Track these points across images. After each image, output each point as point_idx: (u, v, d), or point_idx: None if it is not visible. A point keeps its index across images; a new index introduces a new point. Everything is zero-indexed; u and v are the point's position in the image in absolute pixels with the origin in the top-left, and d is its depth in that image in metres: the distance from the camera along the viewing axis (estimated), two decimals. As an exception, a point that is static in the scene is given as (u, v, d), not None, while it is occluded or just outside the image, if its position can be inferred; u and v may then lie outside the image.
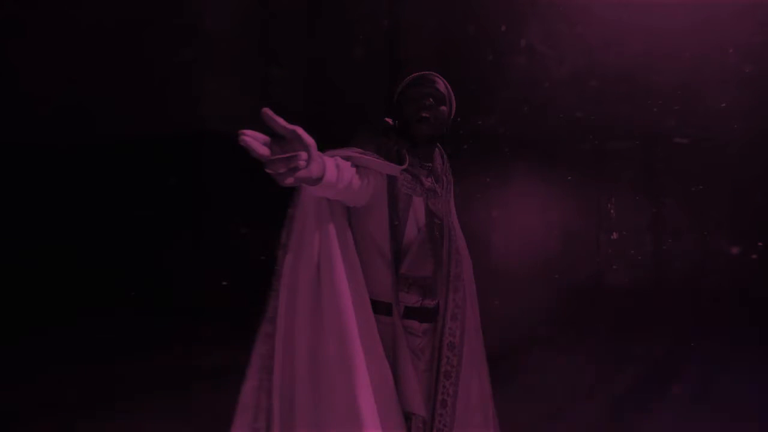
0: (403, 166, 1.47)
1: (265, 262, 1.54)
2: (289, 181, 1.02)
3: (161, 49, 7.97)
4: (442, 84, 1.57)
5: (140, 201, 8.03)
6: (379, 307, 1.46)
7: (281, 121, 0.98)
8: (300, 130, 1.01)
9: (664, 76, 7.46)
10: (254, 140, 0.96)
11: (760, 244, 7.14)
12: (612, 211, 8.83)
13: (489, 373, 1.66)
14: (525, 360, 4.83)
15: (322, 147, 1.19)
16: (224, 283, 6.37)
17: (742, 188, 7.81)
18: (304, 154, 1.01)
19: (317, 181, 1.18)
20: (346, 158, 1.34)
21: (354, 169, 1.35)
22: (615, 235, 8.77)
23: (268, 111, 0.94)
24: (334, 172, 1.24)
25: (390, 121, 1.61)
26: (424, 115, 1.52)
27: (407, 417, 1.45)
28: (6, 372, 4.08)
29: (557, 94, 7.70)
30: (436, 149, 1.65)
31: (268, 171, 0.99)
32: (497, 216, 7.82)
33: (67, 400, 3.59)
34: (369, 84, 8.14)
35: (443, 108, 1.56)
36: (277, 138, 1.01)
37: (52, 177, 8.51)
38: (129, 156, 8.20)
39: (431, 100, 1.53)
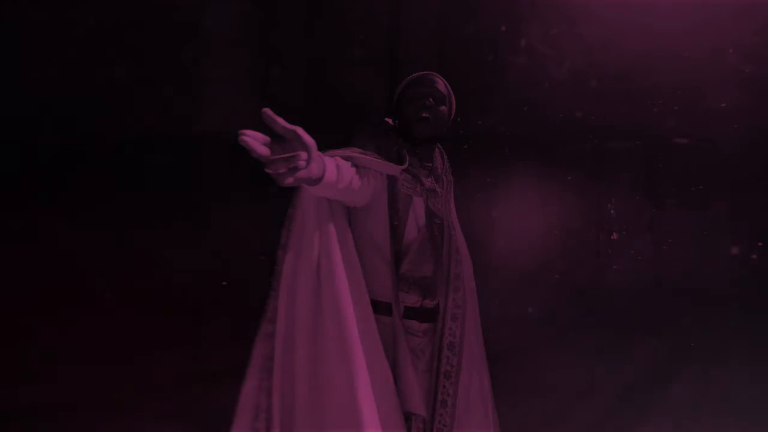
0: (403, 166, 1.47)
1: (265, 262, 1.54)
2: (289, 181, 1.02)
3: (161, 49, 7.97)
4: (442, 84, 1.57)
5: (140, 200, 8.03)
6: (379, 307, 1.46)
7: (281, 121, 0.98)
8: (300, 131, 1.01)
9: (664, 76, 7.46)
10: (254, 140, 0.96)
11: (760, 244, 7.14)
12: (612, 211, 8.83)
13: (489, 373, 1.66)
14: (525, 360, 4.83)
15: (322, 147, 1.19)
16: (224, 283, 6.36)
17: (742, 188, 7.80)
18: (304, 154, 1.01)
19: (317, 181, 1.18)
20: (346, 158, 1.34)
21: (354, 169, 1.35)
22: (615, 235, 8.77)
23: (268, 111, 0.94)
24: (334, 172, 1.24)
25: (390, 121, 1.61)
26: (424, 115, 1.52)
27: (407, 417, 1.45)
28: (6, 372, 4.08)
29: (557, 94, 7.70)
30: (436, 149, 1.65)
31: (268, 171, 0.99)
32: (497, 216, 7.81)
33: (67, 400, 3.59)
34: (369, 84, 8.13)
35: (443, 108, 1.56)
36: (277, 138, 1.01)
37: (51, 177, 8.51)
38: (128, 155, 8.20)
39: (431, 100, 1.53)
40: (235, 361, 1.55)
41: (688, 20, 6.57)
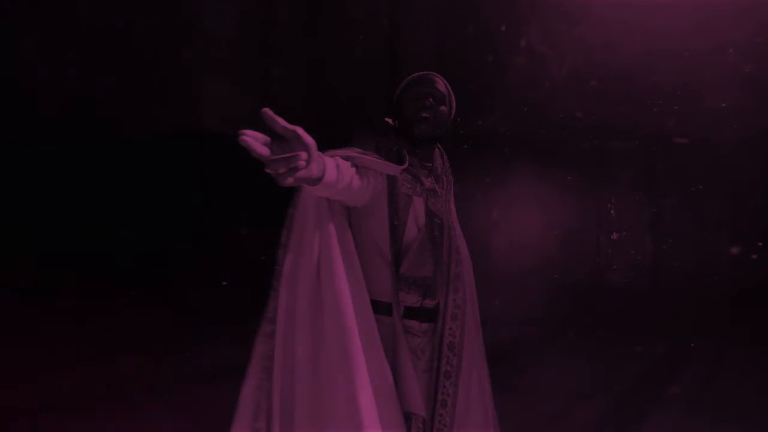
0: (403, 166, 1.47)
1: (265, 262, 1.54)
2: (289, 181, 1.02)
3: (161, 49, 7.97)
4: (442, 84, 1.57)
5: (140, 201, 8.03)
6: (379, 307, 1.46)
7: (281, 121, 0.98)
8: (300, 130, 1.01)
9: (664, 76, 7.46)
10: (254, 140, 0.96)
11: (760, 244, 7.14)
12: (612, 211, 8.82)
13: (489, 373, 1.66)
14: (525, 360, 4.83)
15: (322, 147, 1.19)
16: (224, 283, 6.37)
17: (742, 188, 7.80)
18: (304, 154, 1.00)
19: (317, 181, 1.18)
20: (346, 158, 1.34)
21: (354, 169, 1.35)
22: (615, 235, 8.76)
23: (268, 111, 0.94)
24: (334, 172, 1.24)
25: (390, 121, 1.61)
26: (424, 115, 1.52)
27: (407, 417, 1.45)
28: (6, 372, 4.08)
29: (557, 94, 7.70)
30: (436, 149, 1.65)
31: (268, 171, 0.99)
32: (497, 216, 7.81)
33: (67, 400, 3.59)
34: (369, 84, 8.14)
35: (443, 108, 1.56)
36: (277, 138, 1.01)
37: (52, 177, 8.51)
38: (129, 156, 8.20)
39: (431, 100, 1.53)
40: (235, 361, 1.55)
41: (688, 20, 6.57)
